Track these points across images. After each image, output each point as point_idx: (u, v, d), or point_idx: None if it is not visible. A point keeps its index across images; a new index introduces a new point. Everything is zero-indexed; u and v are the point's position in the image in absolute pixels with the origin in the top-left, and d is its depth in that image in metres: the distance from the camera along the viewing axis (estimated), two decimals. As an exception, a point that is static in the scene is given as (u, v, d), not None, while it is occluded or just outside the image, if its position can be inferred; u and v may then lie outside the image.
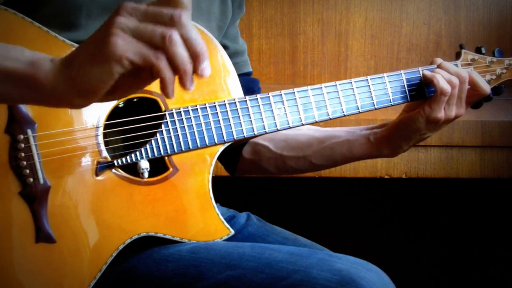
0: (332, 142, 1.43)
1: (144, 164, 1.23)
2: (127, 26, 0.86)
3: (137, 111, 1.25)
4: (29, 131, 1.16)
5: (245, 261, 1.19)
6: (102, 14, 1.26)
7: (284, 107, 1.31)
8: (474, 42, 2.04)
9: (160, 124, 1.25)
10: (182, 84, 0.87)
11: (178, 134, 1.25)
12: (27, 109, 1.17)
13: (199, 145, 1.27)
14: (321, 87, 1.33)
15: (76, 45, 1.21)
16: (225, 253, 1.21)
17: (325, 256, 1.18)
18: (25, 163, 1.15)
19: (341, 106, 1.34)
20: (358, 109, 1.35)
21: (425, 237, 2.47)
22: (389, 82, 1.37)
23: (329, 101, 1.33)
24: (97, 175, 1.20)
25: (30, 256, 1.16)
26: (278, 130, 1.31)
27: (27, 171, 1.16)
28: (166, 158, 1.26)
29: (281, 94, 1.31)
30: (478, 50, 1.45)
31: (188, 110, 1.26)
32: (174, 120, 1.25)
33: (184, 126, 1.26)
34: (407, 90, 1.37)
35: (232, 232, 1.30)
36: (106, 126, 1.22)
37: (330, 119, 1.35)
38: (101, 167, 1.21)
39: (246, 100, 1.29)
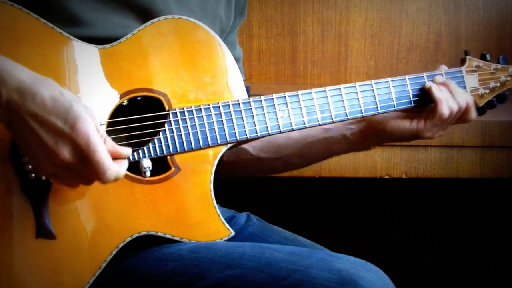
0: (308, 141, 1.44)
1: (147, 163, 1.23)
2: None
3: (140, 109, 1.25)
4: None
5: (245, 261, 1.19)
6: (105, 9, 1.26)
7: (288, 109, 1.31)
8: (474, 42, 2.05)
9: (163, 123, 1.25)
10: None
11: (181, 134, 1.26)
12: None
13: (201, 146, 1.27)
14: (325, 90, 1.33)
15: (80, 41, 1.21)
16: (225, 252, 1.21)
17: (325, 256, 1.18)
18: (27, 158, 1.16)
19: (345, 110, 1.34)
20: (362, 112, 1.35)
21: (425, 237, 2.46)
22: (393, 86, 1.37)
23: (332, 104, 1.34)
24: None
25: (30, 252, 1.17)
26: (281, 132, 1.31)
27: (29, 166, 1.16)
28: (169, 157, 1.26)
29: (284, 96, 1.31)
30: (483, 57, 1.45)
31: (192, 110, 1.26)
32: (178, 120, 1.26)
33: (187, 126, 1.26)
34: (411, 96, 1.38)
35: (233, 233, 1.30)
36: (109, 124, 1.23)
37: (334, 122, 1.35)
38: None
39: (249, 102, 1.29)
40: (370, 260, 1.20)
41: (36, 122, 1.07)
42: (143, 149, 1.24)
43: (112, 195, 1.21)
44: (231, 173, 1.53)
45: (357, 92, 1.35)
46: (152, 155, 1.24)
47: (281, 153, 1.47)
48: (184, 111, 1.26)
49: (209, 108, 1.27)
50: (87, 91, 1.20)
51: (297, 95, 1.32)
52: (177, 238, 1.26)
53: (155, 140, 1.24)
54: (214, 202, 1.28)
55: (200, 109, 1.27)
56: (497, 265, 2.43)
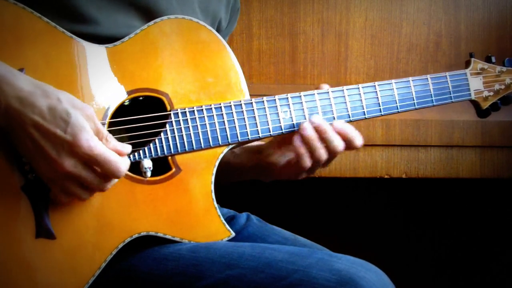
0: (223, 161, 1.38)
1: (147, 163, 1.23)
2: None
3: (142, 109, 1.25)
4: None
5: (245, 261, 1.19)
6: (110, 7, 1.26)
7: (290, 110, 1.31)
8: (474, 43, 2.04)
9: (165, 123, 1.25)
10: None
11: (182, 135, 1.26)
12: None
13: (203, 146, 1.27)
14: (328, 91, 1.33)
15: (82, 41, 1.21)
16: (225, 252, 1.21)
17: (324, 256, 1.18)
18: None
19: (348, 111, 1.34)
20: (365, 114, 1.35)
21: (425, 237, 2.47)
22: (396, 88, 1.37)
23: (335, 105, 1.33)
24: None
25: (29, 252, 1.17)
26: (283, 133, 1.31)
27: (29, 166, 1.16)
28: (169, 157, 1.26)
29: (287, 98, 1.31)
30: (488, 59, 1.45)
31: (194, 111, 1.26)
32: (179, 120, 1.26)
33: (188, 127, 1.26)
34: (414, 98, 1.38)
35: (233, 234, 1.30)
36: (110, 124, 1.23)
37: None
38: None
39: (252, 102, 1.29)
40: (370, 260, 1.20)
41: (37, 131, 1.09)
42: (144, 149, 1.24)
43: (112, 196, 1.21)
44: None
45: (360, 94, 1.35)
46: (153, 155, 1.24)
47: None
48: (185, 112, 1.26)
49: (211, 108, 1.27)
50: (88, 90, 1.21)
51: (300, 96, 1.32)
52: (177, 239, 1.26)
53: (156, 140, 1.24)
54: (215, 203, 1.28)
55: (202, 109, 1.27)
56: (497, 265, 2.43)
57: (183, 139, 1.26)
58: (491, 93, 1.45)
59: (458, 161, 1.84)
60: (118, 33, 1.26)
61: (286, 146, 1.34)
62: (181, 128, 1.26)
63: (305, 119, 1.32)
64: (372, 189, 2.39)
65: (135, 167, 1.23)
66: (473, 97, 1.44)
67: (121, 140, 1.24)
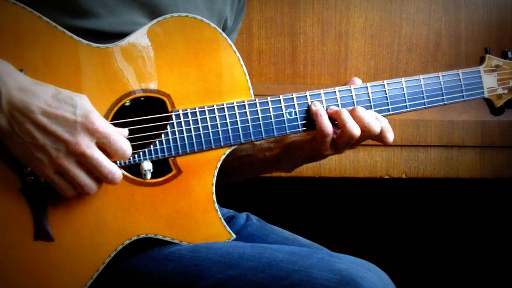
0: (238, 155, 1.41)
1: (147, 166, 1.22)
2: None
3: (143, 110, 1.24)
4: None
5: (245, 261, 1.18)
6: (114, 3, 1.26)
7: (296, 111, 1.30)
8: (474, 42, 2.04)
9: (166, 125, 1.24)
10: None
11: (183, 136, 1.24)
12: None
13: (204, 148, 1.25)
14: (335, 91, 1.31)
15: (83, 40, 1.21)
16: (225, 252, 1.21)
17: (325, 256, 1.17)
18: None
19: None
20: None
21: (425, 237, 2.47)
22: (406, 87, 1.34)
23: (341, 106, 1.31)
24: None
25: (27, 254, 1.16)
26: (287, 134, 1.30)
27: (28, 169, 1.15)
28: (170, 159, 1.25)
29: (292, 97, 1.30)
30: (504, 55, 1.41)
31: (195, 112, 1.25)
32: (180, 122, 1.24)
33: (190, 128, 1.25)
34: (424, 97, 1.35)
35: (234, 236, 1.29)
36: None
37: None
38: None
39: (255, 103, 1.28)
40: (370, 260, 1.20)
41: (47, 118, 1.10)
42: (145, 151, 1.23)
43: (111, 197, 1.20)
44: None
45: (368, 93, 1.32)
46: (153, 157, 1.23)
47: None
48: (187, 113, 1.25)
49: (213, 109, 1.26)
50: (89, 91, 1.20)
51: (305, 96, 1.30)
52: (176, 241, 1.25)
53: (157, 142, 1.23)
54: (216, 205, 1.27)
55: (204, 110, 1.25)
56: (497, 265, 2.43)
57: (184, 141, 1.24)
58: (506, 91, 1.41)
59: (458, 161, 1.84)
60: (121, 29, 1.25)
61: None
62: (182, 130, 1.24)
63: (310, 119, 1.30)
64: (372, 189, 2.39)
65: (136, 168, 1.23)
66: (486, 95, 1.40)
67: None
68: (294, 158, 1.37)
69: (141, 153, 1.22)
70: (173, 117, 1.24)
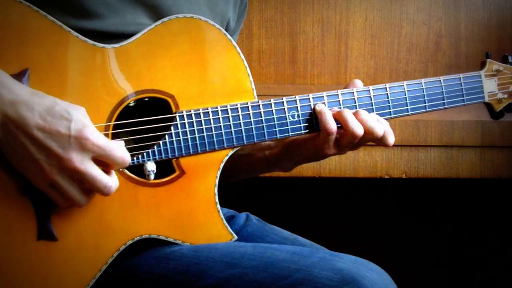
0: (238, 154, 1.40)
1: (151, 166, 1.22)
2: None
3: (147, 111, 1.24)
4: None
5: (247, 260, 1.18)
6: (117, 4, 1.26)
7: (298, 113, 1.30)
8: (474, 43, 2.04)
9: (170, 126, 1.24)
10: None
11: (187, 138, 1.24)
12: None
13: (207, 149, 1.25)
14: (338, 94, 1.32)
15: (88, 40, 1.20)
16: (227, 252, 1.21)
17: (326, 256, 1.17)
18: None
19: None
20: None
21: (425, 237, 2.47)
22: (407, 90, 1.35)
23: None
24: None
25: (31, 254, 1.16)
26: (289, 136, 1.30)
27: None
28: (174, 160, 1.25)
29: (295, 100, 1.30)
30: (504, 59, 1.42)
31: (199, 113, 1.25)
32: (184, 123, 1.24)
33: (194, 129, 1.24)
34: (426, 101, 1.36)
35: (235, 237, 1.29)
36: (114, 127, 1.22)
37: None
38: None
39: (259, 105, 1.28)
40: (370, 260, 1.20)
41: (42, 133, 1.09)
42: (148, 152, 1.23)
43: (114, 198, 1.20)
44: None
45: (370, 96, 1.33)
46: (157, 158, 1.23)
47: None
48: (191, 114, 1.25)
49: (217, 111, 1.26)
50: (94, 91, 1.20)
51: (308, 98, 1.30)
52: (179, 242, 1.25)
53: (161, 143, 1.23)
54: (218, 206, 1.27)
55: (208, 111, 1.25)
56: (497, 265, 2.43)
57: (188, 142, 1.24)
58: (506, 96, 1.42)
59: (458, 161, 1.84)
60: (125, 30, 1.25)
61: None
62: (186, 131, 1.24)
63: (313, 122, 1.31)
64: (372, 189, 2.39)
65: (139, 169, 1.23)
66: (486, 99, 1.41)
67: (126, 142, 1.23)
68: (295, 156, 1.38)
69: (144, 153, 1.22)
70: (177, 118, 1.24)
